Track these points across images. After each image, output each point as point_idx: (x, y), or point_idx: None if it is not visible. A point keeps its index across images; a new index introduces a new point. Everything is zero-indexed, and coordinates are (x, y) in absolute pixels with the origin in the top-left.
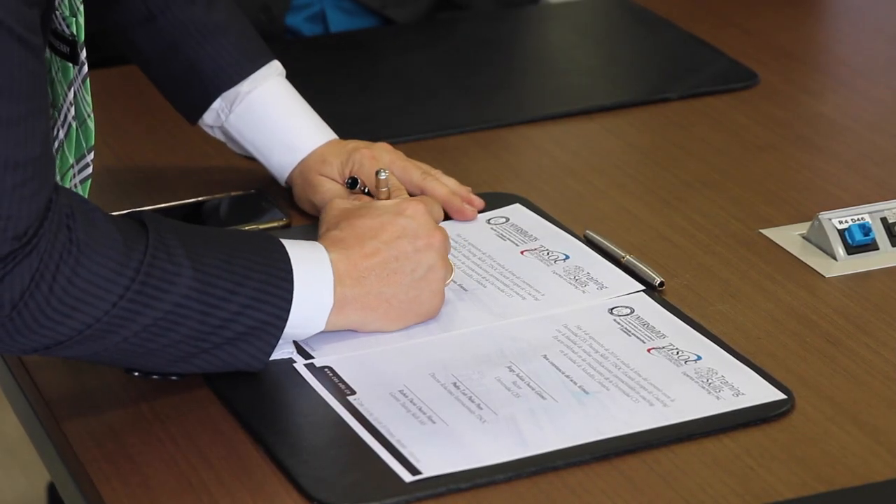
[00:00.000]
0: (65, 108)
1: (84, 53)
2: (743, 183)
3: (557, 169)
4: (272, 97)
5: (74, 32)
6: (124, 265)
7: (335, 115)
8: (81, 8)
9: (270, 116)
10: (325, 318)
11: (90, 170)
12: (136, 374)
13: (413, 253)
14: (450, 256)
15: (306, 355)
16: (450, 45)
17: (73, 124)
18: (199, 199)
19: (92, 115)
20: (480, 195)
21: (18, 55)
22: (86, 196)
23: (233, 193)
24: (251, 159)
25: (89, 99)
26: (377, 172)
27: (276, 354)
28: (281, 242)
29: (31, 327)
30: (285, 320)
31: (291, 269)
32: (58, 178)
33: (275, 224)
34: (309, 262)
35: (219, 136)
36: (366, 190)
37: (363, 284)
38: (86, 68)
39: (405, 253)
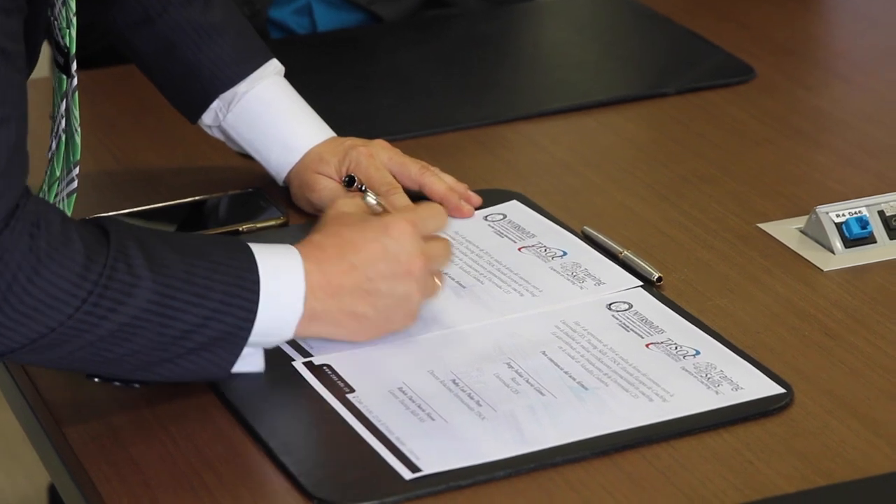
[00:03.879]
0: (58, 119)
1: (75, 66)
2: (740, 177)
3: (554, 165)
4: (269, 96)
5: (67, 44)
6: (83, 276)
7: (331, 113)
8: (74, 20)
9: (268, 116)
10: (294, 329)
11: (76, 184)
12: (97, 379)
13: (390, 277)
14: None
15: (305, 353)
16: (444, 42)
17: (63, 136)
18: (197, 198)
19: (79, 130)
20: (478, 192)
21: None
22: (70, 211)
23: (230, 192)
24: (249, 158)
25: (77, 113)
26: (364, 191)
27: (244, 366)
28: (250, 249)
29: None
30: (249, 331)
31: (258, 280)
32: (45, 188)
33: (272, 222)
34: (279, 271)
35: (217, 135)
36: (363, 188)
37: (335, 300)
38: (76, 81)
39: (382, 275)
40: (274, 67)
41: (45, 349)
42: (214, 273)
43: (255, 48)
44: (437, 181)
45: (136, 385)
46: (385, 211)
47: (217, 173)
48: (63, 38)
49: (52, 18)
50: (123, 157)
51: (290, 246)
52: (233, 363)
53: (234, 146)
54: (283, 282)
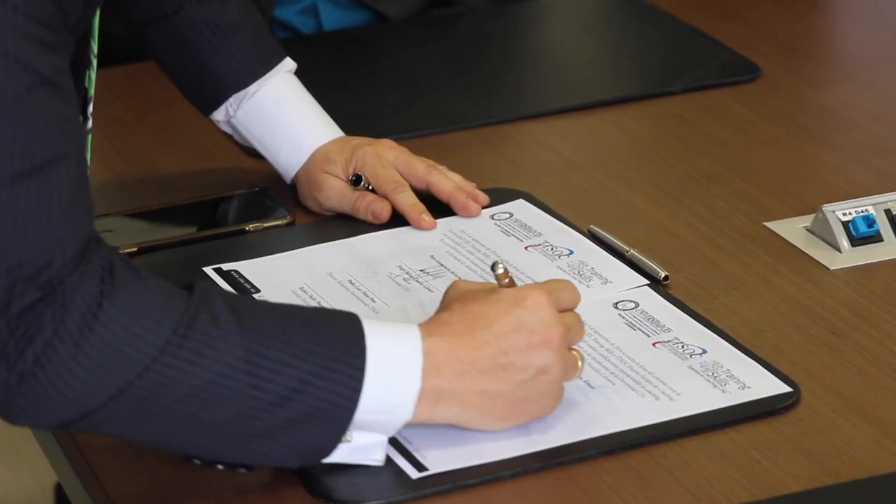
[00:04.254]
0: None
1: (91, 108)
2: (747, 176)
3: (560, 164)
4: (279, 94)
5: (86, 85)
6: (161, 323)
7: (337, 112)
8: (94, 62)
9: (277, 114)
10: (413, 409)
11: None
12: (197, 462)
13: (526, 349)
14: (454, 253)
15: None
16: (450, 40)
17: None
18: (204, 198)
19: (89, 176)
20: (484, 190)
21: (44, 100)
22: None
23: (237, 191)
24: (255, 155)
25: (88, 157)
26: (493, 267)
27: (362, 457)
28: (356, 316)
29: (56, 386)
30: (355, 402)
31: (364, 346)
32: None
33: (279, 222)
34: (392, 341)
35: (226, 129)
36: (370, 187)
37: (464, 379)
38: (90, 124)
39: (517, 348)
40: (285, 65)
41: (124, 409)
42: (312, 331)
43: (270, 48)
44: (444, 180)
45: (243, 470)
46: (512, 283)
47: (223, 173)
48: (82, 80)
49: None
50: (130, 155)
51: (407, 323)
52: (337, 441)
53: (242, 141)
54: (395, 351)
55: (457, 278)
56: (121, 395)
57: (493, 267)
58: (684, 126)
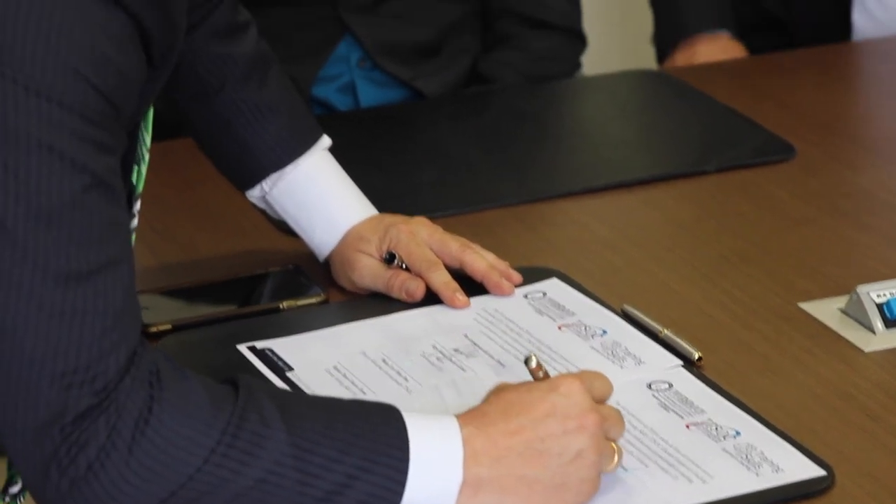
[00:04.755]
0: None
1: (138, 205)
2: (781, 256)
3: (595, 242)
4: (314, 172)
5: (134, 181)
6: (210, 425)
7: (372, 189)
8: (146, 156)
9: (312, 193)
10: (455, 498)
11: None
12: None
13: (562, 434)
14: (487, 332)
15: None
16: (485, 118)
17: None
18: (238, 275)
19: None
20: (518, 269)
21: (98, 202)
22: None
23: (271, 269)
24: (290, 233)
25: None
26: (526, 361)
27: None
28: (396, 409)
29: (109, 492)
30: (401, 494)
31: (407, 438)
32: None
33: (313, 300)
34: (432, 433)
35: (261, 205)
36: (403, 265)
37: (502, 465)
38: (136, 221)
39: (553, 434)
40: (322, 143)
41: None
42: (357, 427)
43: (307, 126)
44: (478, 258)
45: None
46: (547, 376)
47: (258, 250)
48: (130, 173)
49: None
50: (165, 232)
51: (445, 415)
52: None
53: (276, 217)
54: (436, 444)
55: (490, 358)
56: (172, 498)
57: (527, 361)
58: (719, 206)
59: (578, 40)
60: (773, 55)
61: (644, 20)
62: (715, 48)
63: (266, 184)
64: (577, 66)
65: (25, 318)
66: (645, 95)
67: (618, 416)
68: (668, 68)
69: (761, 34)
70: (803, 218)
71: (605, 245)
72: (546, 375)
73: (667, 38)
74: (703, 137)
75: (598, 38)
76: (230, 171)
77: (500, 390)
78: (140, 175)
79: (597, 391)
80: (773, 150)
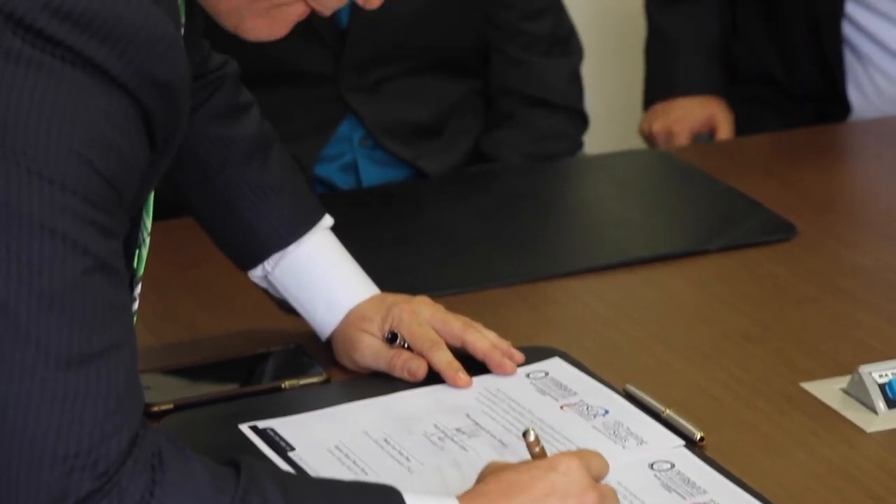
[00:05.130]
0: None
1: (139, 288)
2: (783, 336)
3: (597, 322)
4: (316, 252)
5: (135, 266)
6: None
7: (374, 268)
8: (147, 240)
9: (313, 273)
10: None
11: None
12: None
13: None
14: (490, 411)
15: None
16: (487, 197)
17: None
18: (240, 355)
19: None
20: (520, 349)
21: (100, 285)
22: None
23: (272, 348)
24: (292, 312)
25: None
26: (524, 434)
27: None
28: (396, 490)
29: None
30: None
31: None
32: None
33: (314, 379)
34: None
35: (263, 284)
36: (405, 345)
37: None
38: (137, 304)
39: None
40: (324, 222)
41: None
42: None
43: (309, 206)
44: (480, 338)
45: None
46: (543, 452)
47: (259, 329)
48: (132, 258)
49: None
50: (167, 312)
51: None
52: None
53: (278, 296)
54: None
55: (491, 437)
56: None
57: (525, 434)
58: (721, 285)
59: (580, 119)
60: (773, 134)
61: None
62: (694, 103)
63: (268, 264)
64: (580, 145)
65: (27, 401)
66: (646, 175)
67: (615, 495)
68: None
69: (760, 84)
70: (805, 297)
71: (607, 324)
72: (543, 451)
73: (652, 95)
74: (704, 217)
75: (600, 117)
76: (232, 252)
77: (497, 469)
78: (141, 259)
79: (594, 469)
80: (775, 230)
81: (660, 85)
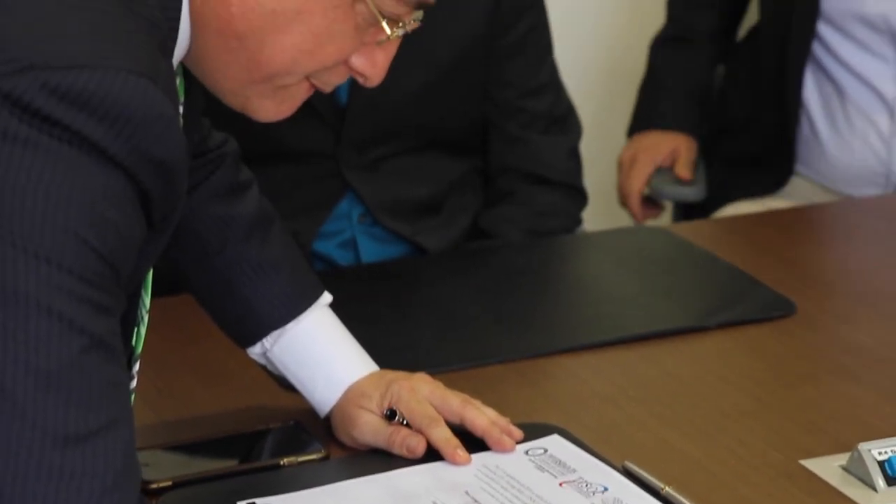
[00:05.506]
0: None
1: (137, 366)
2: (782, 413)
3: (596, 399)
4: (314, 330)
5: (133, 344)
6: None
7: (373, 345)
8: (146, 317)
9: (313, 350)
10: None
11: None
12: None
13: None
14: (489, 488)
15: None
16: (486, 273)
17: None
18: (239, 432)
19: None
20: (519, 425)
21: (97, 363)
22: None
23: (271, 425)
24: (291, 389)
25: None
26: None
27: None
28: None
29: None
30: None
31: None
32: None
33: (313, 456)
34: None
35: (262, 361)
36: (404, 422)
37: None
38: (135, 381)
39: None
40: (323, 299)
41: None
42: None
43: (308, 284)
44: (479, 415)
45: None
46: None
47: (258, 406)
48: (130, 335)
49: None
50: (165, 388)
51: None
52: None
53: (276, 373)
54: None
55: None
56: None
57: None
58: (720, 362)
59: (579, 196)
60: (772, 213)
61: None
62: (662, 136)
63: (267, 341)
64: (579, 221)
65: (24, 480)
66: (645, 252)
67: None
68: (672, 226)
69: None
70: (804, 374)
71: (606, 401)
72: None
73: (634, 126)
74: (703, 294)
75: (600, 194)
76: (231, 329)
77: None
78: (140, 336)
79: None
80: (774, 307)
81: (641, 117)
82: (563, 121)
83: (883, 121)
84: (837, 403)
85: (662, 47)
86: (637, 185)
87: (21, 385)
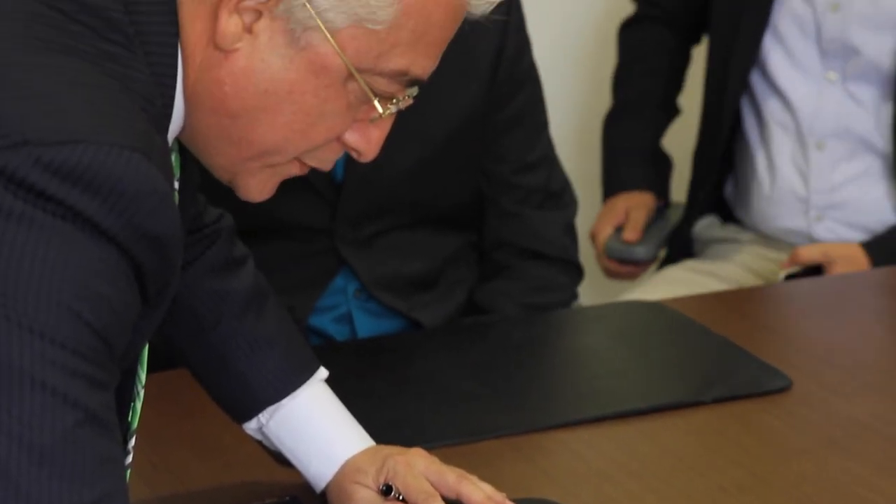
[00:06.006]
0: None
1: (132, 442)
2: (780, 488)
3: (592, 474)
4: (310, 405)
5: (129, 419)
6: None
7: (369, 419)
8: (142, 392)
9: (308, 426)
10: None
11: None
12: None
13: None
14: None
15: None
16: (482, 348)
17: None
18: None
19: None
20: (515, 501)
21: (91, 437)
22: None
23: (267, 500)
24: (287, 464)
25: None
26: None
27: None
28: None
29: None
30: None
31: None
32: None
33: None
34: None
35: (257, 436)
36: (400, 497)
37: None
38: (131, 457)
39: None
40: (319, 374)
41: None
42: None
43: (304, 359)
44: (475, 490)
45: None
46: None
47: (254, 481)
48: (126, 411)
49: None
50: (161, 462)
51: None
52: None
53: (272, 447)
54: None
55: None
56: None
57: None
58: (716, 436)
59: (575, 270)
60: (765, 288)
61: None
62: (618, 199)
63: (263, 416)
64: (574, 296)
65: None
66: (641, 326)
67: None
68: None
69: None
70: (800, 449)
71: (604, 476)
72: None
73: (603, 194)
74: (699, 368)
75: (596, 268)
76: (227, 404)
77: None
78: (135, 412)
79: None
80: (769, 381)
81: (605, 185)
82: (559, 196)
83: (798, 149)
84: (832, 477)
85: (612, 121)
86: (598, 248)
87: (15, 459)
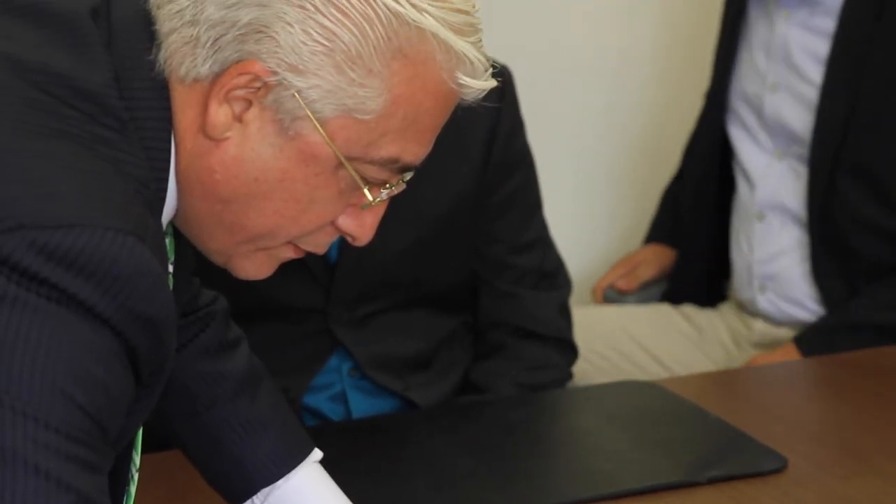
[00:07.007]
0: None
1: None
2: None
3: None
4: (304, 487)
5: (123, 502)
6: None
7: (364, 499)
8: (136, 476)
9: None
10: None
11: None
12: None
13: None
14: None
15: None
16: (477, 428)
17: None
18: None
19: None
20: None
21: None
22: None
23: None
24: None
25: None
26: None
27: None
28: None
29: None
30: None
31: None
32: None
33: None
34: None
35: None
36: None
37: None
38: None
39: None
40: (313, 455)
41: None
42: None
43: (299, 440)
44: None
45: None
46: None
47: None
48: (121, 496)
49: None
50: None
51: None
52: None
53: None
54: None
55: None
56: None
57: None
58: None
59: (570, 350)
60: (760, 367)
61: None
62: (637, 252)
63: (258, 498)
64: (569, 375)
65: None
66: (636, 406)
67: None
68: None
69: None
70: None
71: None
72: None
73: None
74: (694, 449)
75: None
76: (221, 485)
77: None
78: (129, 496)
79: None
80: (765, 462)
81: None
82: (553, 276)
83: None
84: None
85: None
86: (597, 295)
87: None
